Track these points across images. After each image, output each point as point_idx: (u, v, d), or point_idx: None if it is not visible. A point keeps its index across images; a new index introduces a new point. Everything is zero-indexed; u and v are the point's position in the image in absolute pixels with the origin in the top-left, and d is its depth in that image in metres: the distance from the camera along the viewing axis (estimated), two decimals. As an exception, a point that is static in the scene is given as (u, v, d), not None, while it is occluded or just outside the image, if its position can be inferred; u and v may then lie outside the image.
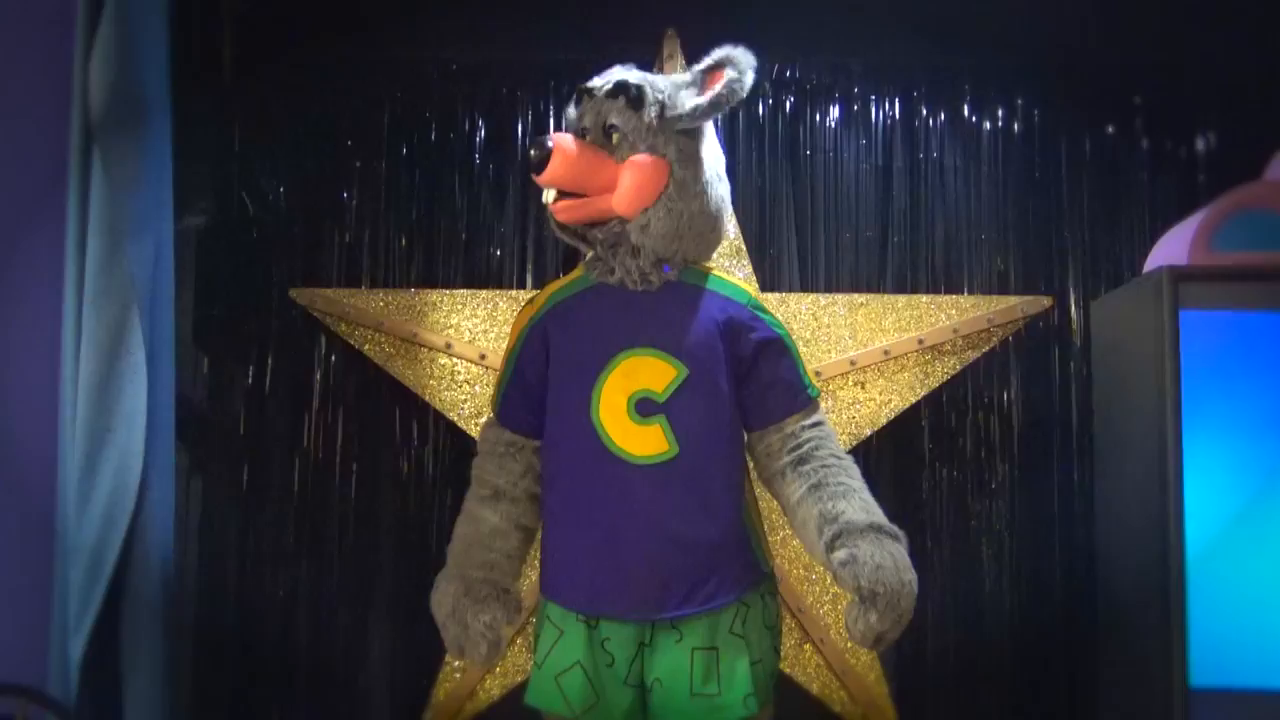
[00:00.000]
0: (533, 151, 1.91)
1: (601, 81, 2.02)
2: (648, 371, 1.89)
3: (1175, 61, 2.82)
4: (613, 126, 1.96)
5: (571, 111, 2.05)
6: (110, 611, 1.97)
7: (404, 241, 2.80)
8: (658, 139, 1.96)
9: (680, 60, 2.69)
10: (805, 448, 1.95)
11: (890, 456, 2.74)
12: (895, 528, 1.87)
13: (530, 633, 2.39)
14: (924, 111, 2.87)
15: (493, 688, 2.59)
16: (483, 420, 2.19)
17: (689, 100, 1.97)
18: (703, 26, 2.70)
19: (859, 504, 1.89)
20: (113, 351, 1.95)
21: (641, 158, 1.94)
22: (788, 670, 2.55)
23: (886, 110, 2.88)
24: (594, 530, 1.87)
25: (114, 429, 1.95)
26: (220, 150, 2.75)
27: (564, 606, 1.93)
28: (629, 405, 1.88)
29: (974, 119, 2.87)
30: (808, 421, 1.97)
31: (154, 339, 2.00)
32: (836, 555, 1.82)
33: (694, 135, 2.00)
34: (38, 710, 1.90)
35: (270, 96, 2.79)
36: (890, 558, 1.80)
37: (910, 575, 1.81)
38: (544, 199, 1.97)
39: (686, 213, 1.96)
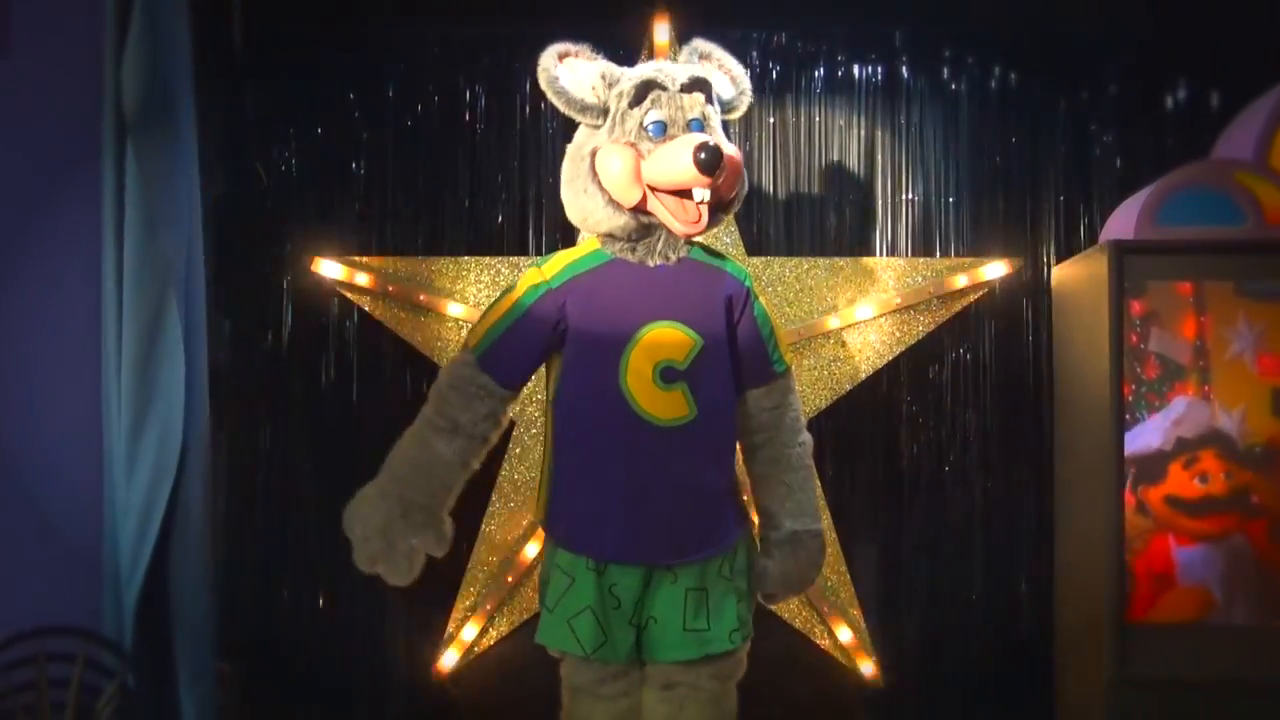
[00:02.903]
0: (703, 155, 1.94)
1: (656, 74, 2.07)
2: (670, 342, 2.04)
3: (1148, 30, 2.92)
4: (696, 120, 2.06)
5: (630, 106, 2.04)
6: (159, 562, 2.16)
7: (411, 210, 2.95)
8: (726, 130, 2.15)
9: (670, 34, 2.81)
10: (760, 437, 2.16)
11: (869, 409, 2.92)
12: (814, 524, 2.17)
13: (535, 577, 2.59)
14: (905, 77, 2.99)
15: (502, 625, 2.82)
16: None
17: (725, 94, 2.17)
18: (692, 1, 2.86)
19: (792, 507, 2.16)
20: (152, 330, 2.12)
21: (736, 151, 2.08)
22: (773, 609, 2.76)
23: (869, 76, 3.01)
24: (621, 486, 2.04)
25: (155, 400, 2.13)
26: (235, 126, 2.89)
27: (587, 555, 2.07)
28: (654, 373, 2.03)
29: (953, 85, 2.99)
30: (769, 403, 2.15)
31: (188, 316, 2.17)
32: (758, 562, 2.17)
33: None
34: (95, 649, 2.12)
35: (280, 72, 2.92)
36: (797, 565, 2.15)
37: (809, 574, 2.18)
38: (696, 197, 2.01)
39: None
